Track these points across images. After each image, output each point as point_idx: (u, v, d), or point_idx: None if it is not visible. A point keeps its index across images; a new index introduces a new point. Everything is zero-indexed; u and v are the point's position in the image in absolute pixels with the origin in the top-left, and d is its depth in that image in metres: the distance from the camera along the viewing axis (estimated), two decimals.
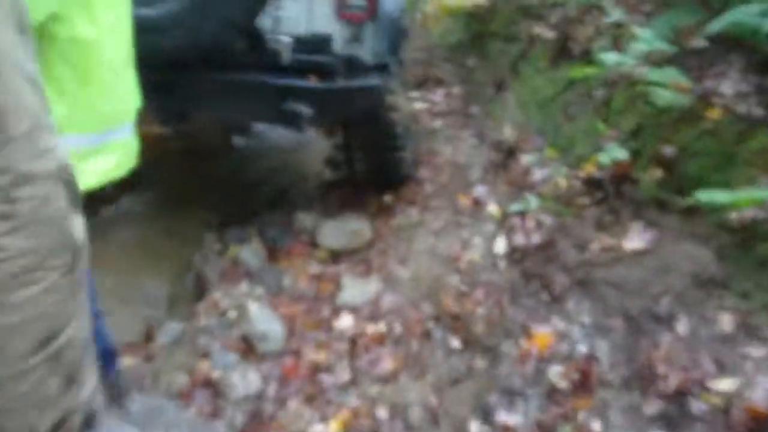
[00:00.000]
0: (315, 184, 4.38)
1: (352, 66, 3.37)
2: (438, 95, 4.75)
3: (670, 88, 3.00)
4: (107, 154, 1.85)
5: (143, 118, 3.88)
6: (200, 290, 3.46)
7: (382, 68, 3.49)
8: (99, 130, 1.82)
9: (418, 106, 4.60)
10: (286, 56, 3.27)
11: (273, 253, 3.63)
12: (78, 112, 1.76)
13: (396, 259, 3.42)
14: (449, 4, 4.77)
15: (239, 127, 4.93)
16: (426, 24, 5.01)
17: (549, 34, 4.00)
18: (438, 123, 4.50)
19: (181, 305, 3.41)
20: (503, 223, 3.16)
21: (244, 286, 3.34)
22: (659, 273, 2.49)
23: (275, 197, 4.25)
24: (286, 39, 3.25)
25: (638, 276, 2.51)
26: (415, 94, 4.52)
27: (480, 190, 3.61)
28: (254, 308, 3.10)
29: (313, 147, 4.78)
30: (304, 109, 3.28)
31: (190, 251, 3.76)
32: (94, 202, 4.17)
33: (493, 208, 3.38)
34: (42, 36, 1.68)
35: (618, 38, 3.54)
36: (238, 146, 5.01)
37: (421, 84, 4.79)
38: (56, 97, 1.72)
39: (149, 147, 4.58)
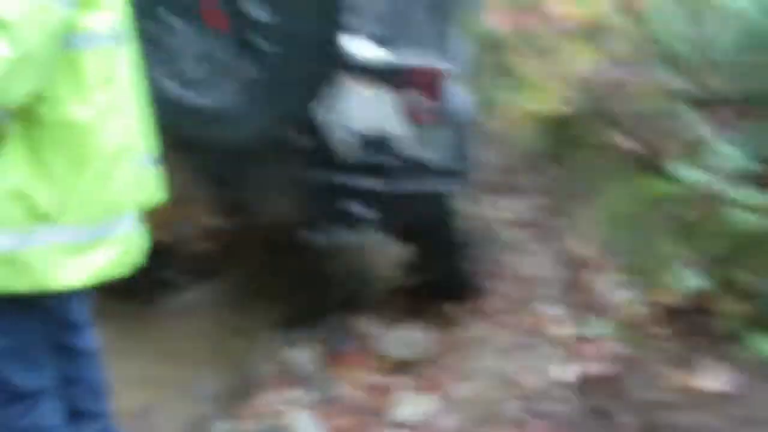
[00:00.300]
0: (383, 288, 4.25)
1: (418, 169, 3.27)
2: (514, 203, 4.62)
3: (754, 209, 2.80)
4: (104, 248, 1.74)
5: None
6: (252, 390, 3.34)
7: (450, 173, 3.37)
8: (94, 222, 1.71)
9: (493, 214, 4.46)
10: (347, 154, 3.20)
11: (330, 359, 3.50)
12: (71, 200, 1.66)
13: (456, 376, 3.24)
14: (530, 109, 4.68)
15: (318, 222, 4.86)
16: (505, 128, 4.92)
17: (631, 145, 3.85)
18: (512, 233, 4.35)
19: (232, 404, 3.29)
20: (569, 348, 2.96)
21: (295, 391, 3.21)
22: (742, 423, 2.24)
23: (342, 299, 4.13)
24: (348, 136, 3.18)
25: (717, 425, 2.26)
26: (490, 201, 4.39)
27: (548, 309, 3.42)
28: (301, 417, 2.96)
29: (389, 249, 4.66)
30: (363, 211, 3.18)
31: (249, 348, 3.67)
32: (161, 288, 4.16)
33: (560, 330, 3.18)
34: (26, 117, 1.61)
35: (701, 153, 3.35)
36: (316, 242, 4.94)
37: (498, 191, 4.66)
38: (45, 183, 1.63)
39: (225, 237, 4.62)
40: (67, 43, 1.61)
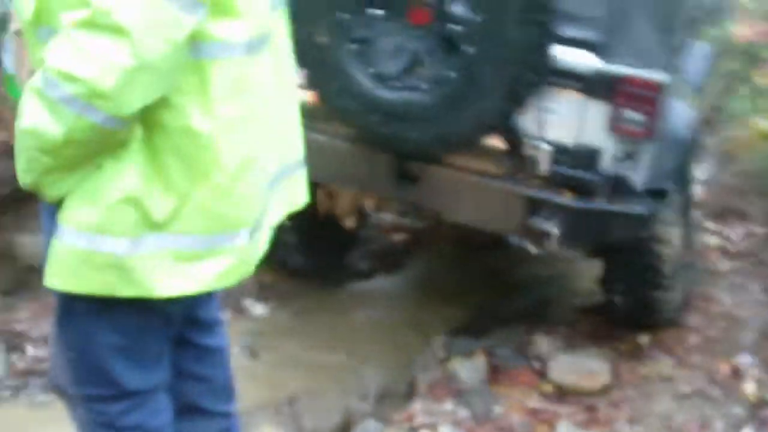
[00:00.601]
0: (570, 305, 4.00)
1: (618, 187, 2.99)
2: (735, 232, 4.15)
3: None
4: (215, 258, 1.65)
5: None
6: (410, 394, 3.26)
7: (655, 194, 3.06)
8: (208, 233, 1.63)
9: (708, 241, 4.05)
10: (543, 166, 2.99)
11: (495, 374, 3.32)
12: (186, 210, 1.59)
13: (627, 415, 2.97)
14: (765, 128, 4.17)
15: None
16: (733, 148, 4.44)
17: None
18: (726, 265, 3.92)
19: (386, 405, 3.23)
20: (754, 409, 2.59)
21: (449, 405, 3.08)
22: None
23: (523, 310, 3.93)
24: (545, 146, 2.97)
25: None
26: (704, 225, 3.98)
27: (744, 360, 3.02)
28: None
29: (586, 264, 4.40)
30: (552, 228, 2.96)
31: (417, 348, 3.59)
32: (346, 274, 4.19)
33: (750, 387, 2.80)
34: (148, 123, 1.55)
35: None
36: (514, 244, 4.77)
37: (718, 216, 4.22)
38: (161, 190, 1.57)
39: (415, 231, 4.57)
40: (195, 51, 1.52)
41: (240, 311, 3.74)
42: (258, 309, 3.80)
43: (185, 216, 1.60)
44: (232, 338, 3.46)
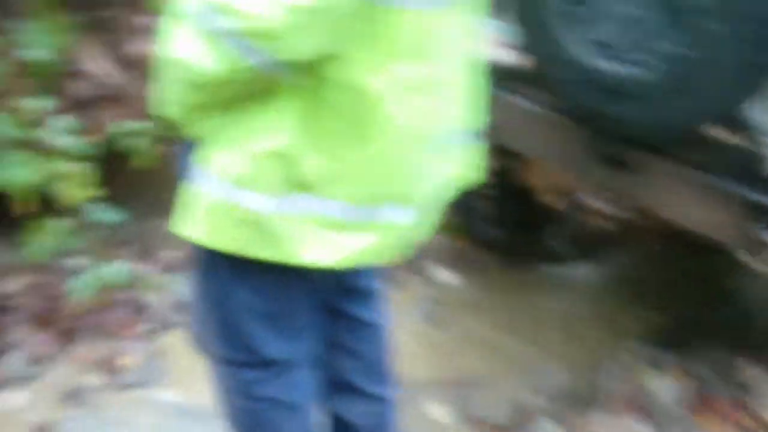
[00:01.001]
0: None
1: None
2: None
3: None
4: (362, 232, 1.45)
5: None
6: (592, 402, 2.97)
7: None
8: (357, 203, 1.43)
9: None
10: None
11: (693, 398, 2.96)
12: (339, 174, 1.40)
13: None
14: None
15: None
16: None
17: None
18: None
19: (565, 408, 2.96)
20: None
21: (635, 424, 2.77)
22: None
23: (732, 327, 3.49)
24: None
25: None
26: None
27: None
28: None
29: None
30: None
31: (606, 349, 3.28)
32: (542, 255, 3.91)
33: None
34: (311, 73, 1.34)
35: None
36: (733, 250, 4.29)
37: None
38: (315, 149, 1.38)
39: (620, 219, 4.19)
40: None
41: (425, 276, 3.58)
42: (444, 276, 3.62)
43: (336, 180, 1.41)
44: (413, 303, 3.39)
